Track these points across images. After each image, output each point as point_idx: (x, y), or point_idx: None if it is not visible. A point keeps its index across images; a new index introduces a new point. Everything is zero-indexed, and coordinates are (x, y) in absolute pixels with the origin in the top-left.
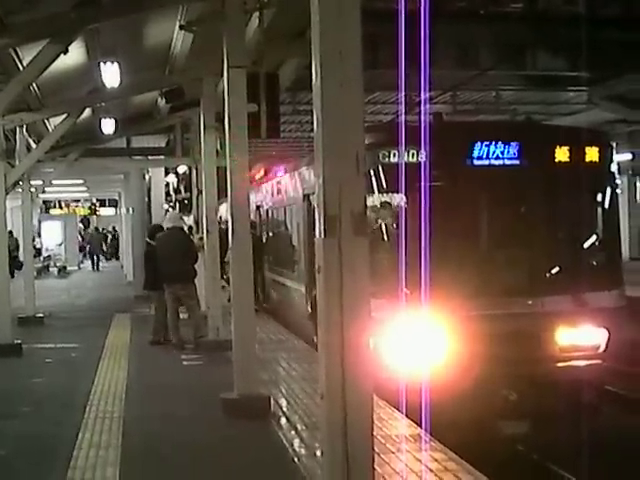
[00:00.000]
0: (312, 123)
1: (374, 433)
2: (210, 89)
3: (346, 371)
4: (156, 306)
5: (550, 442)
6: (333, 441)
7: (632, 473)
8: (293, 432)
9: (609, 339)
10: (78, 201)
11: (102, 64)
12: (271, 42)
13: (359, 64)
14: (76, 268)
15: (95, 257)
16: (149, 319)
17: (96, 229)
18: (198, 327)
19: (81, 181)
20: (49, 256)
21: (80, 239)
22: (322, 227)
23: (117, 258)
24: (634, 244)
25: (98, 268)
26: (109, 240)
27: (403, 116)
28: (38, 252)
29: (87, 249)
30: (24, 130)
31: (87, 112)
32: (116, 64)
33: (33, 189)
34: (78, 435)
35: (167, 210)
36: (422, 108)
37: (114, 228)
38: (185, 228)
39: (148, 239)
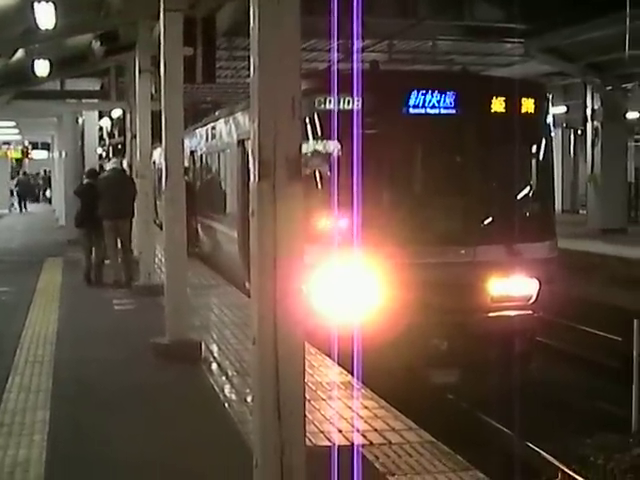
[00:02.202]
0: (248, 69)
1: (305, 380)
2: (146, 32)
3: (278, 317)
4: (85, 245)
5: (480, 391)
6: (264, 387)
7: (559, 422)
8: (224, 377)
9: (540, 290)
10: (9, 144)
11: (36, 4)
12: None
13: (296, 8)
14: (7, 211)
15: (23, 200)
16: (81, 263)
17: (24, 173)
18: (130, 267)
19: (13, 123)
20: None
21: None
22: (256, 171)
23: (49, 202)
24: (566, 196)
25: (26, 209)
26: (38, 183)
27: (337, 64)
28: None
29: (15, 192)
30: None
31: (20, 53)
32: (51, 4)
33: None
34: (8, 379)
35: (100, 154)
36: (356, 56)
37: (45, 172)
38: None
39: (87, 179)
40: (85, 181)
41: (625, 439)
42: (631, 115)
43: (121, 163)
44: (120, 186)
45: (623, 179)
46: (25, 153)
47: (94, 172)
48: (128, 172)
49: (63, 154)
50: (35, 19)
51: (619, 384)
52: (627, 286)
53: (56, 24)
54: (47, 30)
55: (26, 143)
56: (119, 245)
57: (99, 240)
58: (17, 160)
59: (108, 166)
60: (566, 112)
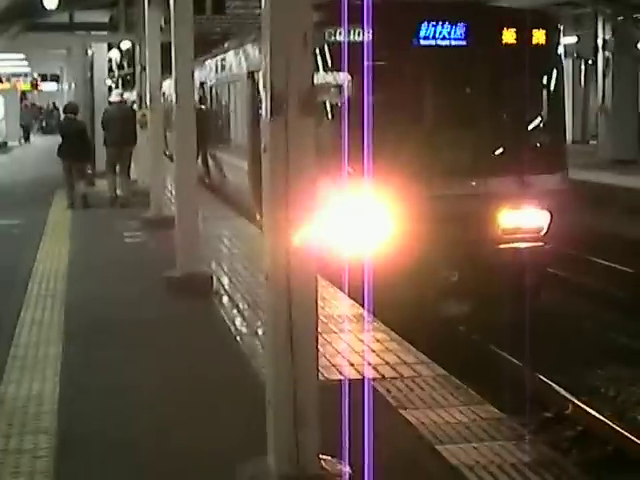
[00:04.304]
0: (258, 0)
1: (317, 313)
2: None
3: (291, 251)
4: (66, 176)
5: (491, 323)
6: (277, 321)
7: (571, 355)
8: (235, 311)
9: (551, 221)
10: (19, 75)
11: None
12: None
13: None
14: (17, 144)
15: (26, 132)
16: (95, 196)
17: (32, 104)
18: (128, 188)
19: (22, 56)
20: None
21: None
22: (269, 106)
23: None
24: (577, 127)
25: (28, 140)
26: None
27: None
28: None
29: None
30: None
31: None
32: None
33: None
34: (20, 312)
35: (109, 86)
36: None
37: (54, 104)
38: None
39: (66, 114)
40: (63, 116)
41: (636, 371)
42: None
43: (122, 94)
44: (121, 117)
45: (634, 110)
46: (34, 85)
47: (74, 107)
48: (138, 104)
49: (72, 86)
50: None
51: (630, 316)
52: (638, 217)
53: None
54: None
55: (35, 75)
56: (117, 169)
57: (82, 171)
58: (22, 92)
59: (111, 98)
60: (577, 42)
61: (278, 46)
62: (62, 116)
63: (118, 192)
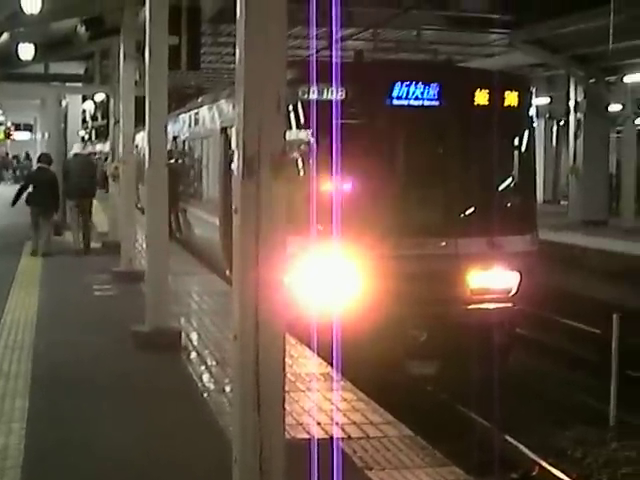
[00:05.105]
0: (232, 55)
1: (284, 371)
2: (131, 18)
3: (260, 309)
4: (33, 222)
5: (458, 383)
6: (244, 379)
7: (538, 415)
8: (203, 367)
9: (520, 282)
10: None
11: None
12: None
13: (283, 10)
14: None
15: None
16: (61, 245)
17: (6, 154)
18: (88, 237)
19: None
20: None
21: None
22: (241, 169)
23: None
24: (548, 187)
25: None
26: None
27: (321, 52)
28: None
29: None
30: None
31: (5, 36)
32: None
33: None
34: None
35: (83, 137)
36: (336, 48)
37: (27, 153)
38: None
39: (39, 163)
40: (37, 165)
41: (603, 433)
42: (613, 108)
43: (84, 147)
44: (81, 169)
45: (605, 171)
46: (7, 134)
47: (48, 157)
48: (111, 156)
49: (46, 135)
50: (20, 3)
51: (598, 377)
52: (607, 279)
53: (42, 8)
54: (32, 14)
55: (9, 124)
56: (80, 221)
57: (49, 220)
58: None
59: (72, 151)
60: (549, 103)
61: (251, 108)
62: (35, 165)
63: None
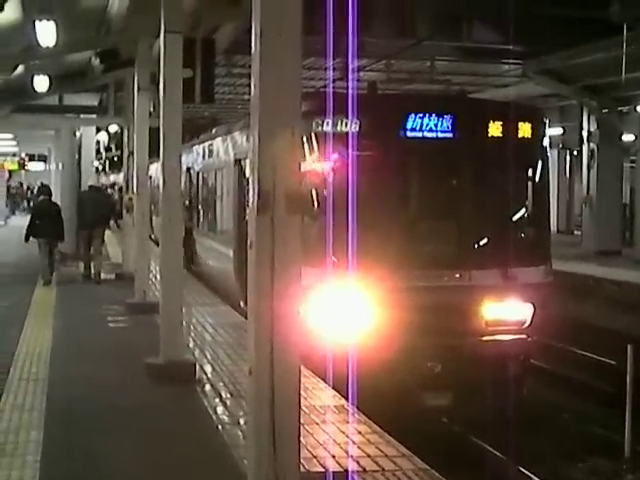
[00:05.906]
0: (246, 85)
1: (300, 404)
2: (145, 50)
3: (275, 342)
4: (41, 252)
5: (473, 415)
6: (259, 412)
7: (552, 447)
8: (217, 399)
9: (534, 314)
10: (7, 155)
11: (37, 22)
12: (209, 7)
13: (298, 43)
14: (2, 223)
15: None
16: (75, 277)
17: (21, 184)
18: (98, 267)
19: (11, 136)
20: None
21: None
22: (255, 204)
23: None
24: (562, 217)
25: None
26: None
27: (335, 83)
28: None
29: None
30: None
31: (20, 68)
32: (52, 22)
33: None
34: (1, 397)
35: (97, 168)
36: (351, 77)
37: (42, 184)
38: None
39: (41, 195)
40: (41, 198)
41: (617, 464)
42: (627, 137)
43: (98, 180)
44: (95, 201)
45: (618, 201)
46: (22, 165)
47: (48, 189)
48: (125, 187)
49: (60, 166)
50: (36, 36)
51: (612, 408)
52: (621, 310)
53: (57, 41)
54: (47, 47)
55: (23, 155)
56: (91, 250)
57: (55, 249)
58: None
59: (89, 182)
60: (562, 133)
61: (266, 144)
62: (40, 197)
63: (92, 270)
